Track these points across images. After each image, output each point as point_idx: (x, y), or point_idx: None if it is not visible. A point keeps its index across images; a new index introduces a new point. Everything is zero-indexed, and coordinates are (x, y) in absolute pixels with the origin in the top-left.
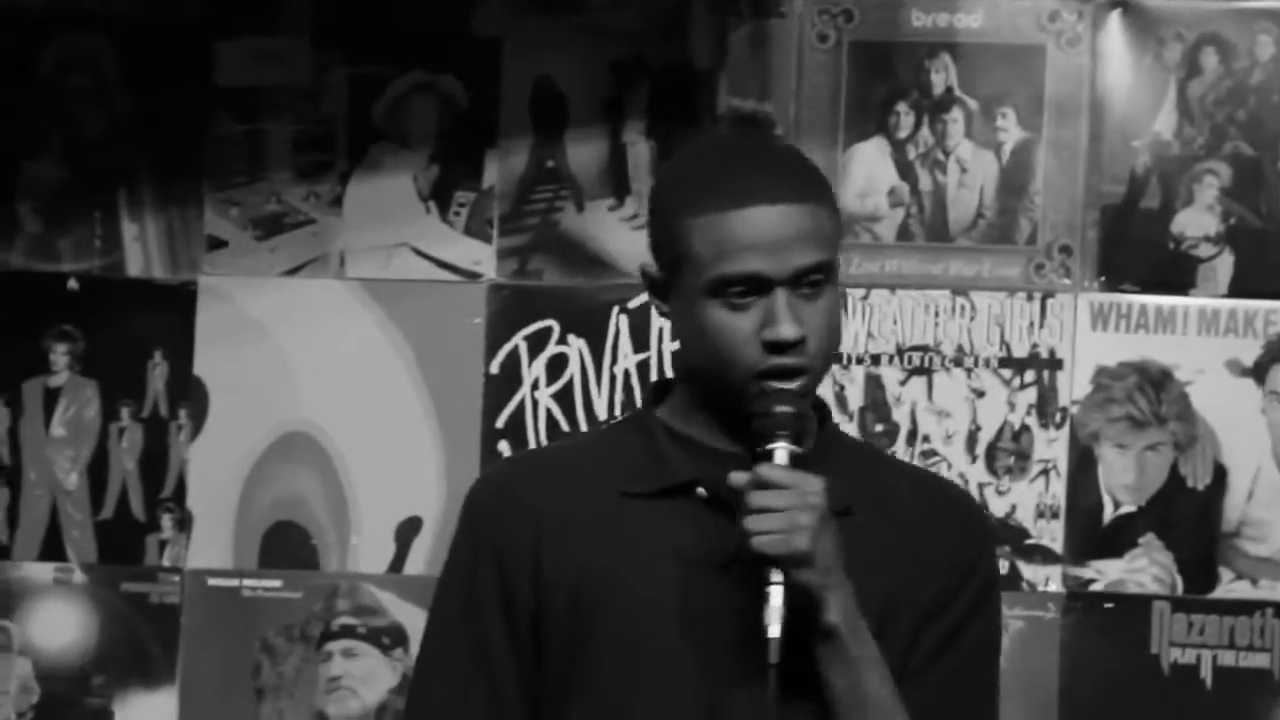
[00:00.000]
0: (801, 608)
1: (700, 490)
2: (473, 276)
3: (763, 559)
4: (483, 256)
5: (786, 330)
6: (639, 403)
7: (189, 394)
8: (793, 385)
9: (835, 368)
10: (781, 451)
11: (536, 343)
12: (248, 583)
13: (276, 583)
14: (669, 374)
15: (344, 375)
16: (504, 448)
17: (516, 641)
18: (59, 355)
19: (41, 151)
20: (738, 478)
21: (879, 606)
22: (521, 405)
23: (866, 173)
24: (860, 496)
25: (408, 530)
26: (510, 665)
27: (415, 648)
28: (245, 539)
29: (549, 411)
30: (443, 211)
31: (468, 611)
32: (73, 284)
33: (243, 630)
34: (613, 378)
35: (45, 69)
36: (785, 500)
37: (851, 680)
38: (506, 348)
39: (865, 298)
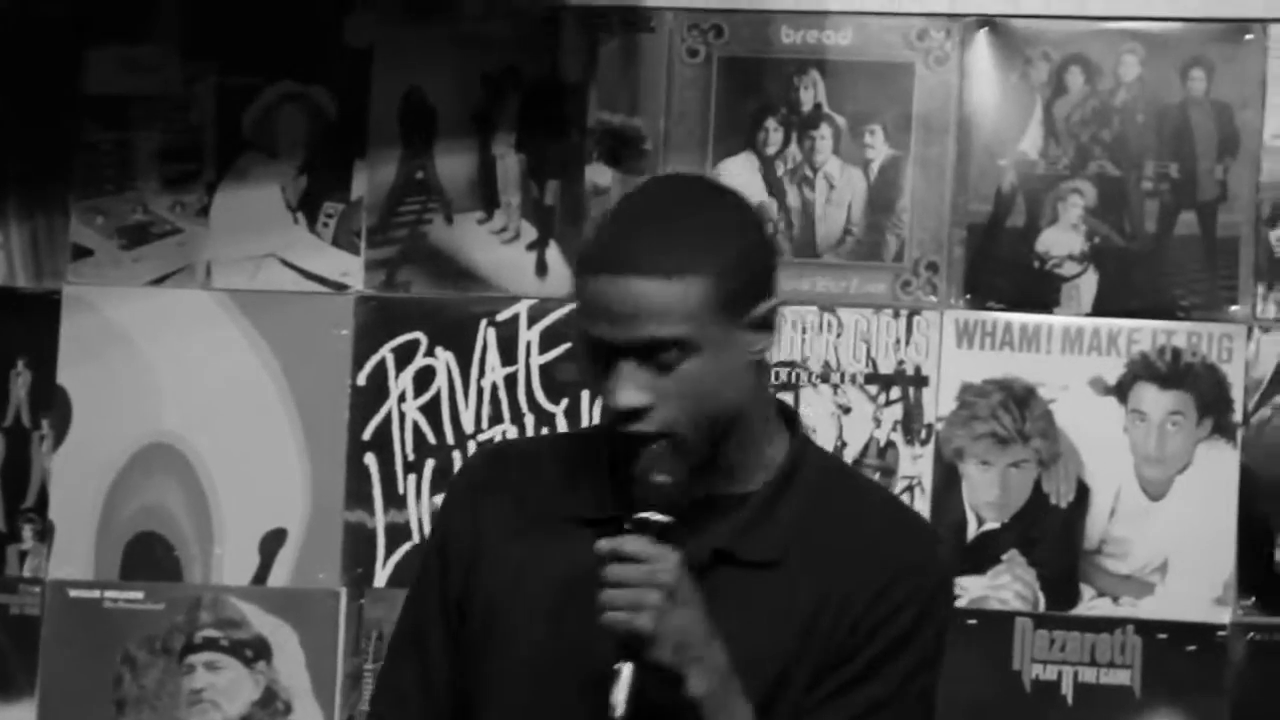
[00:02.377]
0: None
1: (627, 527)
2: (340, 288)
3: (611, 634)
4: (351, 268)
5: (619, 398)
6: (506, 416)
7: (52, 403)
8: (653, 447)
9: None
10: (651, 523)
11: (404, 355)
12: (109, 594)
13: (138, 594)
14: (536, 388)
15: (209, 386)
16: (370, 460)
17: (448, 630)
18: None
19: None
20: (601, 545)
21: (778, 666)
22: (388, 417)
23: (735, 187)
24: (796, 542)
25: (272, 542)
26: (441, 654)
27: (278, 661)
28: (107, 550)
29: (416, 424)
30: (311, 222)
31: (417, 590)
32: None
33: (104, 642)
34: (480, 390)
35: None
36: (635, 577)
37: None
38: (374, 360)
39: None
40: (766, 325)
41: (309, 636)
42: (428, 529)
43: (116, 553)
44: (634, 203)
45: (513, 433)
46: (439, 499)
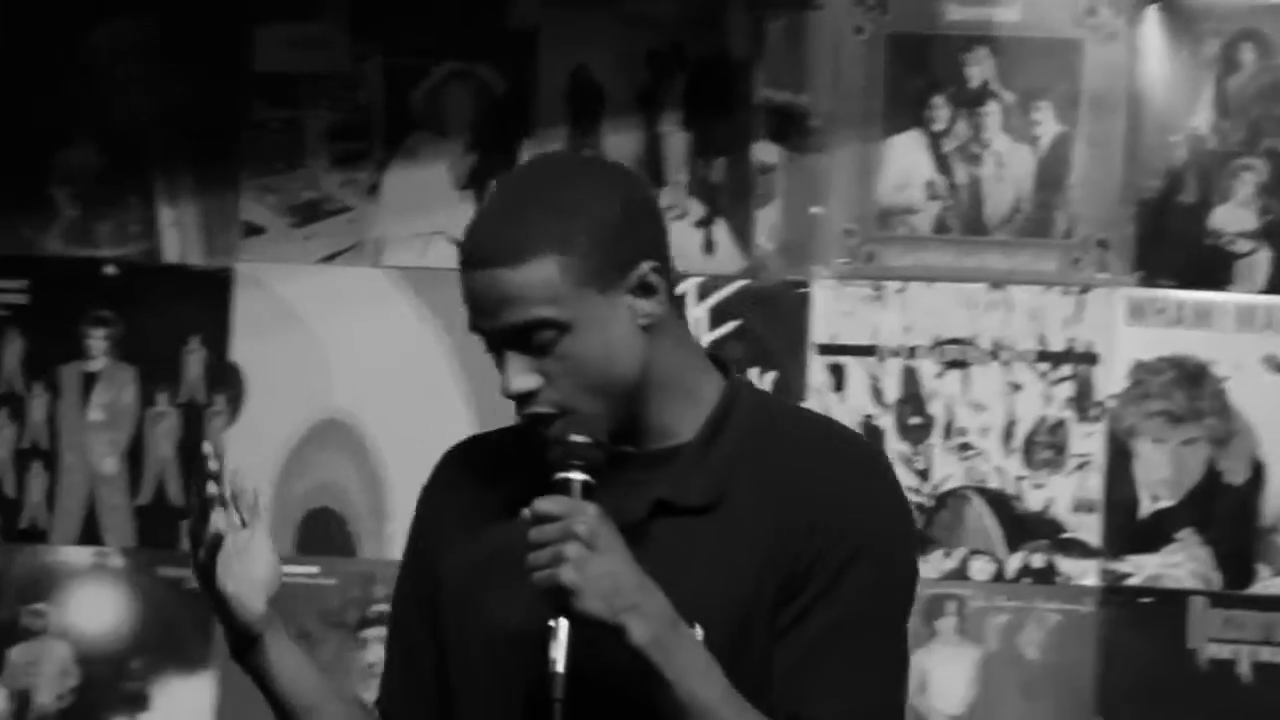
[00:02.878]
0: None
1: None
2: None
3: (541, 594)
4: None
5: (507, 385)
6: None
7: (225, 381)
8: (557, 426)
9: (871, 360)
10: (574, 482)
11: None
12: (284, 569)
13: (313, 569)
14: None
15: (380, 363)
16: None
17: (424, 623)
18: (97, 341)
19: (80, 137)
20: (522, 513)
21: (740, 606)
22: None
23: (903, 165)
24: (735, 482)
25: None
26: (423, 646)
27: None
28: (282, 526)
29: None
30: (479, 200)
31: (398, 588)
32: (110, 270)
33: (280, 616)
34: None
35: (85, 54)
36: (552, 533)
37: (674, 692)
38: None
39: (901, 290)
40: (648, 288)
41: None
42: None
43: (291, 528)
44: (491, 194)
45: None
46: None
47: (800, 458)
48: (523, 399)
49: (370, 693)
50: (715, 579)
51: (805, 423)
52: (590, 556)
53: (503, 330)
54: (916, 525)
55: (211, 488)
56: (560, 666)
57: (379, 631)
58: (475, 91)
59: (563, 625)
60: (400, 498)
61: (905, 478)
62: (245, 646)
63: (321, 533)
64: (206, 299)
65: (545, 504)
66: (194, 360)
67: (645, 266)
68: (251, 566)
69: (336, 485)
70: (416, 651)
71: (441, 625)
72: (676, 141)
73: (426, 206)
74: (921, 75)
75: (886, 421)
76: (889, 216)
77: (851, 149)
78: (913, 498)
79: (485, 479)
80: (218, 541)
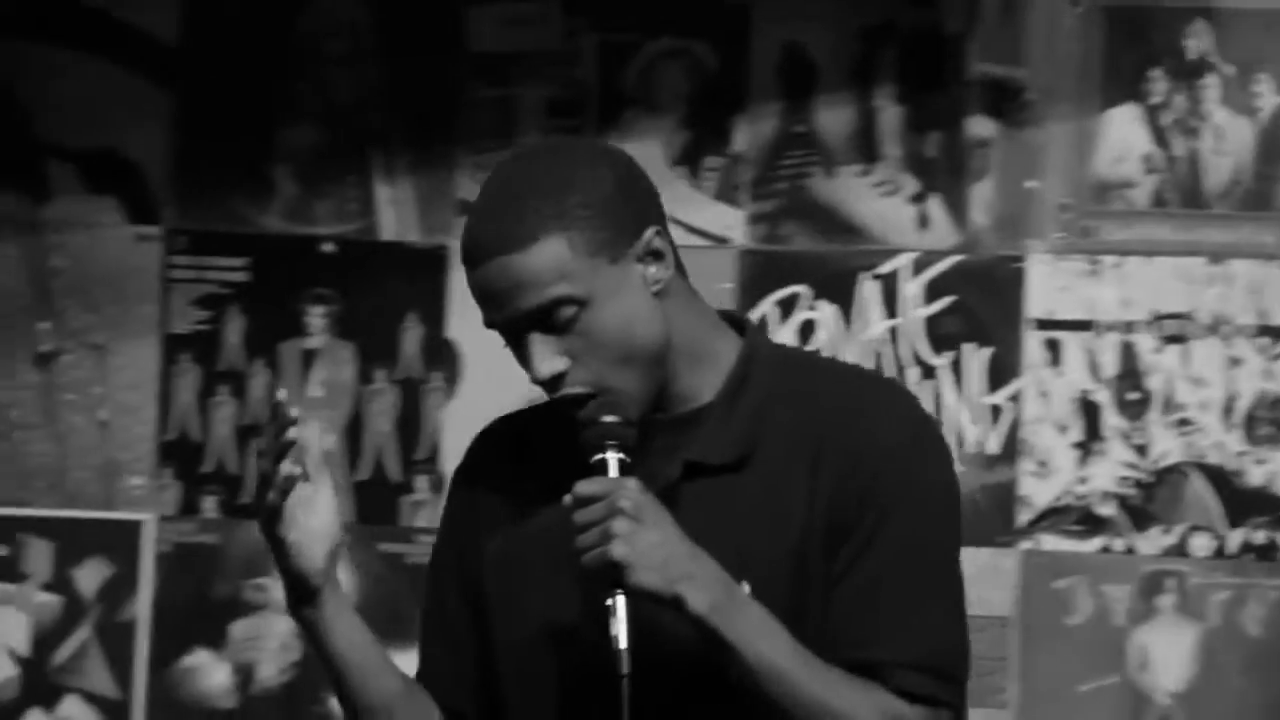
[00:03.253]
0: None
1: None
2: (723, 242)
3: (594, 574)
4: (733, 222)
5: (537, 370)
6: (889, 369)
7: (442, 357)
8: (588, 409)
9: (1088, 335)
10: (611, 461)
11: (787, 308)
12: None
13: None
14: (918, 341)
15: None
16: None
17: (468, 609)
18: (316, 318)
19: (298, 116)
20: (565, 499)
21: (788, 558)
22: None
23: (1120, 139)
24: (764, 434)
25: None
26: (463, 623)
27: None
28: None
29: None
30: (693, 177)
31: (440, 559)
32: (328, 247)
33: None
34: (863, 344)
35: (302, 33)
36: (597, 513)
37: (741, 656)
38: (757, 313)
39: (1119, 264)
40: (656, 253)
41: None
42: None
43: None
44: (482, 190)
45: None
46: None
47: (829, 403)
48: (553, 382)
49: None
50: (757, 534)
51: (828, 369)
52: (638, 530)
53: (522, 316)
54: (948, 444)
55: (289, 433)
56: (624, 643)
57: None
58: (688, 68)
59: (620, 602)
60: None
61: (1123, 453)
62: (302, 599)
63: None
64: (423, 276)
65: (586, 486)
66: (411, 337)
67: (650, 232)
68: (314, 519)
69: None
70: (459, 637)
71: (486, 611)
72: (890, 116)
73: None
74: (1138, 48)
75: (1104, 397)
76: (1105, 190)
77: (1067, 123)
78: (1131, 474)
79: (520, 460)
80: (289, 486)
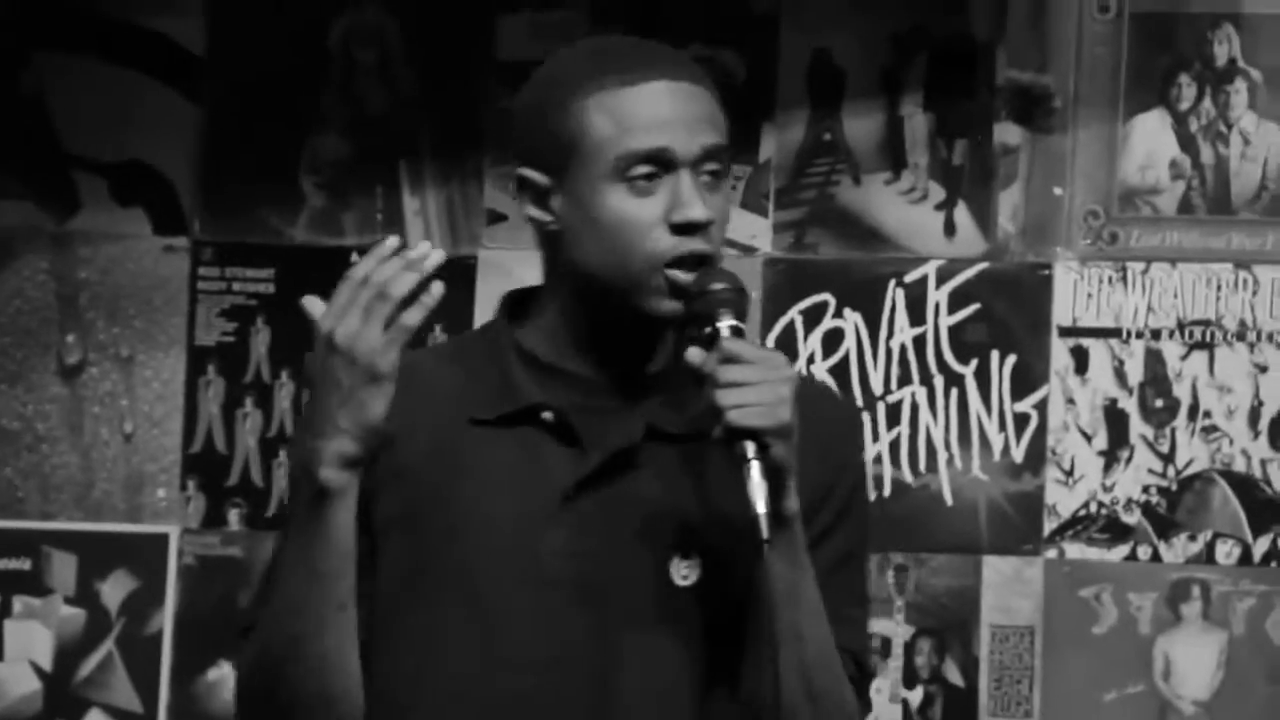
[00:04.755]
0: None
1: (546, 415)
2: (749, 250)
3: (745, 433)
4: (759, 230)
5: (699, 210)
6: (915, 377)
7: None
8: (701, 276)
9: (1115, 342)
10: (725, 330)
11: (812, 316)
12: None
13: None
14: (945, 349)
15: None
16: None
17: (361, 533)
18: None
19: (326, 126)
20: (697, 354)
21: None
22: None
23: (1147, 145)
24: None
25: None
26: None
27: None
28: None
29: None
30: None
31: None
32: (355, 257)
33: None
34: (888, 352)
35: (332, 43)
36: (760, 373)
37: (794, 579)
38: (783, 321)
39: (1145, 271)
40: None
41: None
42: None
43: None
44: (605, 38)
45: (923, 394)
46: None
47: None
48: (701, 230)
49: None
50: (717, 505)
51: None
52: (785, 400)
53: (702, 152)
54: None
55: (433, 289)
56: (764, 507)
57: None
58: (716, 75)
59: (755, 467)
60: None
61: (1149, 460)
62: (351, 462)
63: None
64: (451, 286)
65: (742, 346)
66: None
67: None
68: None
69: None
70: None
71: (390, 542)
72: (918, 124)
73: None
74: (1166, 54)
75: (1130, 404)
76: (1133, 197)
77: (1095, 129)
78: (1157, 481)
79: (425, 401)
80: (403, 336)
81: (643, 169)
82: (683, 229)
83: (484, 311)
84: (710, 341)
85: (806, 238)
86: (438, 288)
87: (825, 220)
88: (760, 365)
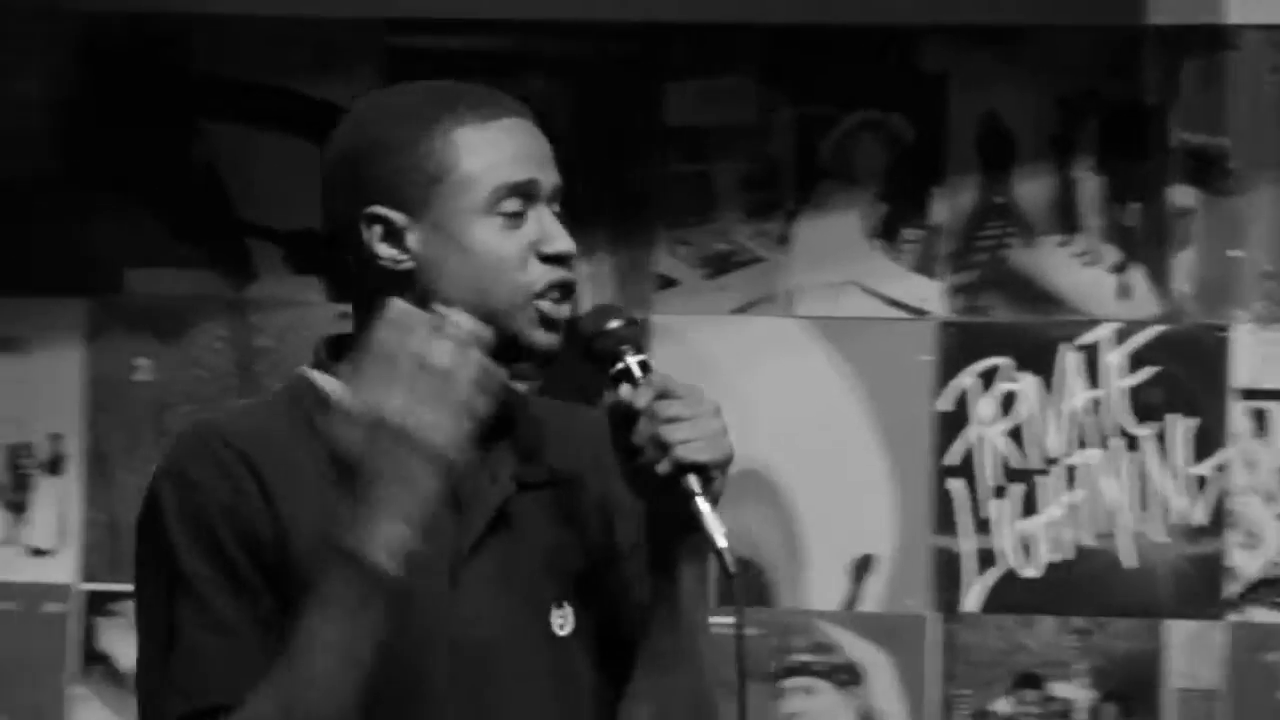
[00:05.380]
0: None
1: (625, 366)
2: (921, 313)
3: (692, 468)
4: (931, 293)
5: (567, 242)
6: (1092, 439)
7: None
8: (589, 319)
9: None
10: (634, 365)
11: (987, 380)
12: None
13: (732, 620)
14: (1121, 411)
15: (794, 412)
16: (955, 486)
17: (267, 585)
18: None
19: None
20: (627, 393)
21: (619, 562)
22: (973, 442)
23: None
24: (558, 459)
25: (861, 568)
26: (276, 618)
27: (871, 686)
28: None
29: (1000, 448)
30: (891, 249)
31: (218, 572)
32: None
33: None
34: (1063, 414)
35: None
36: (693, 407)
37: (699, 610)
38: (956, 384)
39: None
40: None
41: (901, 662)
42: (1011, 552)
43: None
44: (428, 83)
45: (1097, 456)
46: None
47: (590, 435)
48: (566, 262)
49: None
50: (590, 546)
51: (562, 404)
52: (720, 429)
53: (554, 189)
54: None
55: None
56: (723, 542)
57: (799, 682)
58: (885, 140)
59: (703, 502)
60: (816, 547)
61: None
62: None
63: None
64: None
65: (671, 381)
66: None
67: None
68: None
69: (754, 535)
70: (254, 636)
71: (294, 589)
72: (1090, 186)
73: (837, 256)
74: None
75: None
76: None
77: (1271, 190)
78: None
79: (289, 457)
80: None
81: (512, 203)
82: (553, 260)
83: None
84: (617, 381)
85: (980, 300)
86: (500, 371)
87: (998, 283)
88: (691, 398)
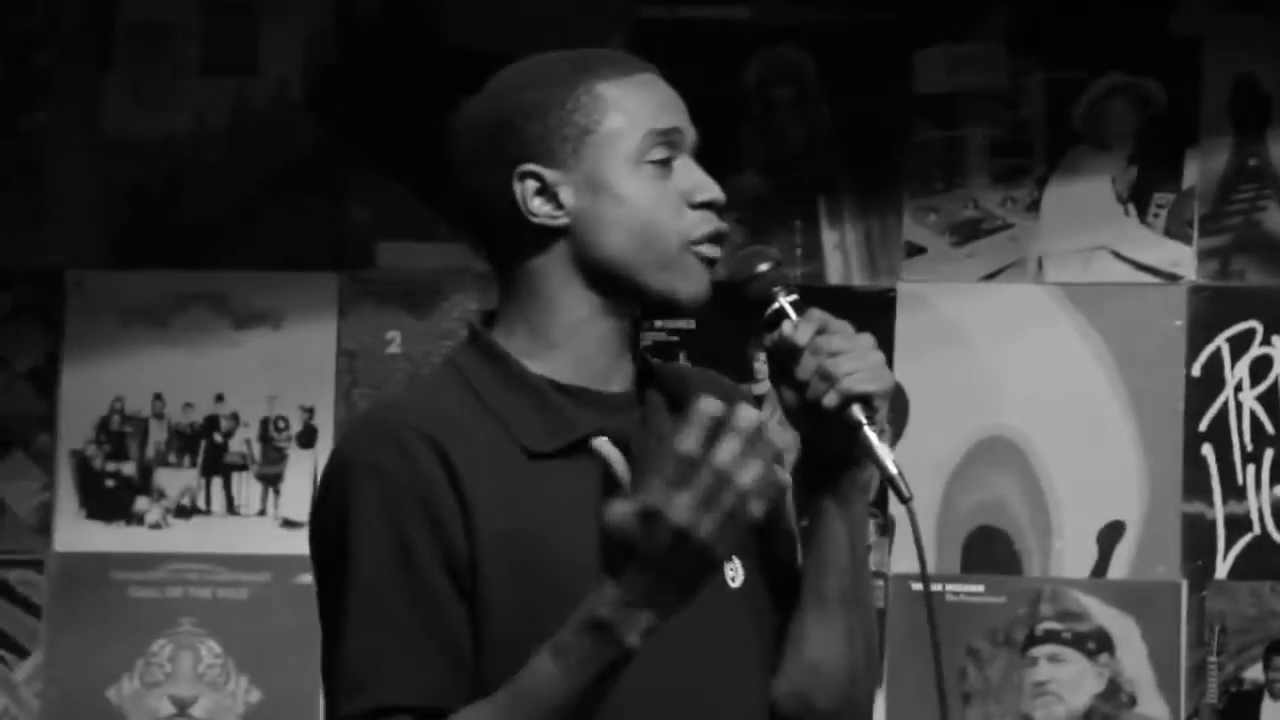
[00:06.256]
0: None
1: (597, 443)
2: (1173, 278)
3: (859, 398)
4: (1182, 258)
5: (716, 191)
6: None
7: (889, 399)
8: (738, 264)
9: None
10: (788, 306)
11: (1239, 344)
12: (950, 587)
13: (979, 587)
14: None
15: (1043, 380)
16: (1207, 451)
17: (461, 597)
18: (760, 365)
19: (744, 163)
20: (789, 329)
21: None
22: (1225, 407)
23: None
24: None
25: (1110, 534)
26: (462, 622)
27: (1120, 653)
28: (947, 544)
29: (1253, 414)
30: (1141, 213)
31: (404, 569)
32: (782, 298)
33: (948, 634)
34: None
35: (749, 81)
36: (854, 341)
37: (859, 538)
38: (1208, 350)
39: None
40: None
41: (1150, 629)
42: (1269, 519)
43: (956, 546)
44: (551, 52)
45: None
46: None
47: (715, 386)
48: (717, 209)
49: (1040, 712)
50: None
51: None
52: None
53: (695, 139)
54: None
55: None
56: (894, 468)
57: (1047, 650)
58: (1137, 103)
59: (870, 431)
60: (1065, 514)
61: None
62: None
63: (987, 550)
64: (870, 319)
65: (828, 316)
66: None
67: None
68: None
69: (1001, 502)
70: (461, 637)
71: (492, 594)
72: None
73: (1088, 221)
74: None
75: None
76: None
77: None
78: None
79: (470, 440)
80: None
81: (660, 150)
82: (704, 206)
83: (904, 344)
84: (773, 322)
85: (1232, 265)
86: (785, 477)
87: (1252, 247)
88: (848, 333)
